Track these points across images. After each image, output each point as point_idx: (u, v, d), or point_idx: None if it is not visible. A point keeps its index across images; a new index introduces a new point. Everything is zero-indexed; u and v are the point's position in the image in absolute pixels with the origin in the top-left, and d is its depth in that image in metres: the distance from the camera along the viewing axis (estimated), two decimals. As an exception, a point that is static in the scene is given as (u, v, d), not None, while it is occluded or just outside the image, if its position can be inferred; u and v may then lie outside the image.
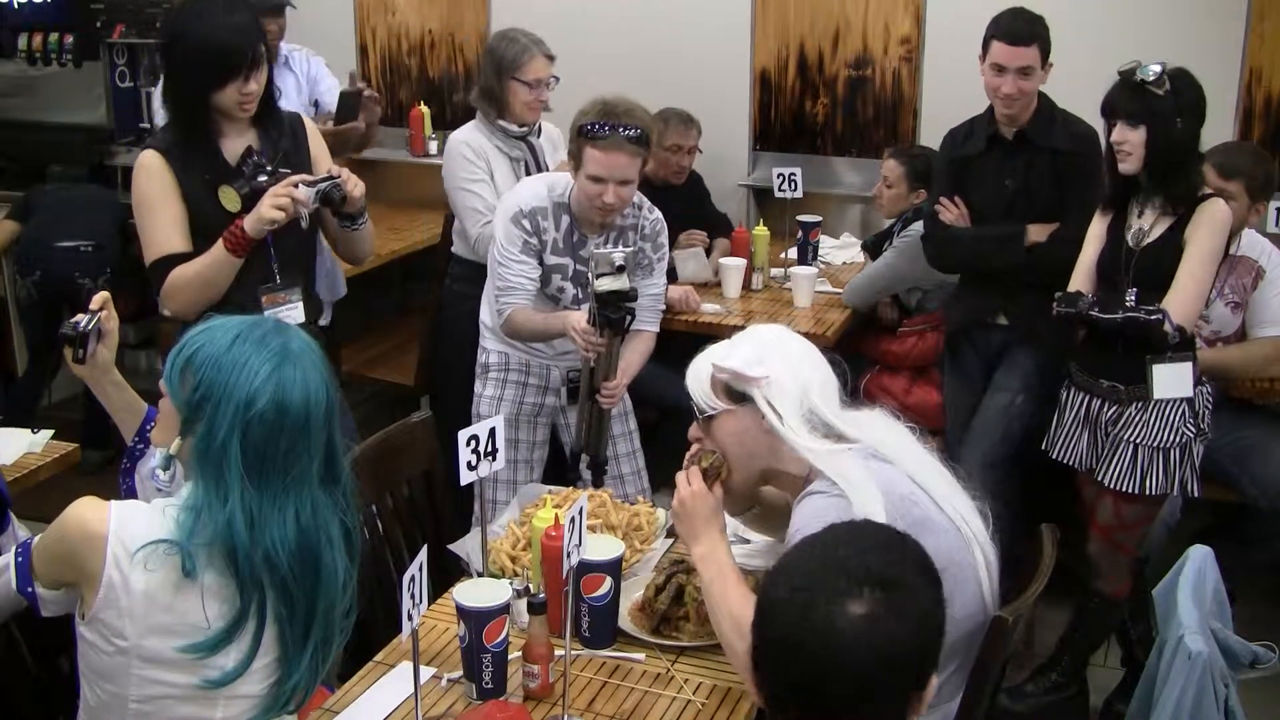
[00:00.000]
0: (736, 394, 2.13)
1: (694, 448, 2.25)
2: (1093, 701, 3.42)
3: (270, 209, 2.76)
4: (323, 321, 4.15)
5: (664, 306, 3.46)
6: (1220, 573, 2.30)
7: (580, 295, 3.25)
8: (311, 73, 4.21)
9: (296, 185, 2.79)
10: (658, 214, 3.34)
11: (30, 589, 1.85)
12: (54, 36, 5.29)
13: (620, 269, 2.86)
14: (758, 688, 1.53)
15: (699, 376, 2.17)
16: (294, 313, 2.93)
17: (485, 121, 3.80)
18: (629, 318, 2.91)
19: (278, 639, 1.84)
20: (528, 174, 3.81)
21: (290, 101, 3.93)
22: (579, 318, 3.03)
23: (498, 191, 3.69)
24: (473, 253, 3.78)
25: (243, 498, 1.77)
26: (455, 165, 3.77)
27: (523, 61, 3.70)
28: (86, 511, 1.79)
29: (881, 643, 1.42)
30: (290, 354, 1.81)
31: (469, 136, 3.80)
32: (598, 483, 3.24)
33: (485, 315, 3.46)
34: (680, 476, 2.21)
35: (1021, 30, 3.34)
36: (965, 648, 2.10)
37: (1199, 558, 2.28)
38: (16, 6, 5.30)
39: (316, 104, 4.30)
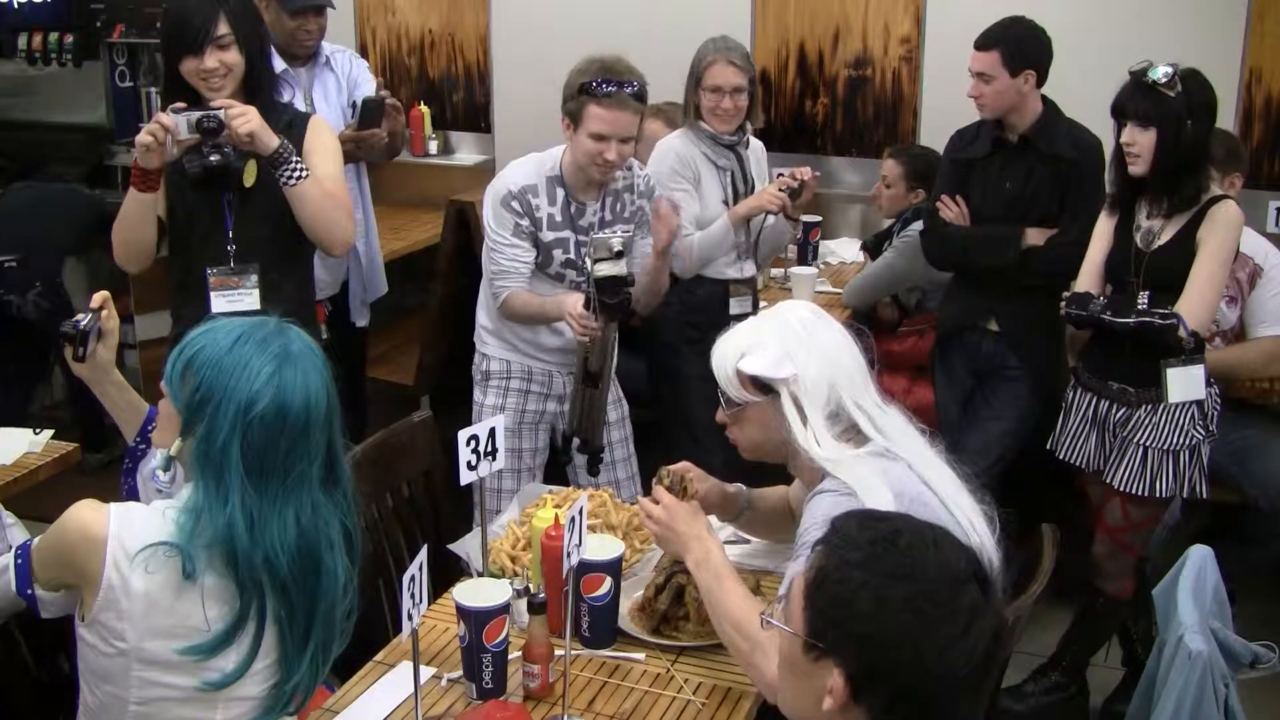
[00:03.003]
0: (764, 385, 2.12)
1: (659, 471, 2.26)
2: (1093, 701, 3.42)
3: (141, 134, 2.75)
4: (361, 322, 4.15)
5: None
6: (1220, 573, 2.30)
7: (578, 275, 3.20)
8: (353, 74, 4.19)
9: (169, 113, 2.74)
10: (648, 171, 3.34)
11: (30, 591, 1.85)
12: (54, 36, 5.29)
13: (619, 254, 2.85)
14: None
15: (725, 365, 2.14)
16: (247, 299, 2.84)
17: (693, 129, 3.72)
18: (626, 302, 2.90)
19: (278, 641, 1.84)
20: (734, 185, 3.72)
21: (329, 101, 3.92)
22: (576, 301, 3.00)
23: (700, 202, 3.64)
24: None
25: (243, 500, 1.77)
26: (662, 171, 3.65)
27: (704, 67, 3.67)
28: (86, 514, 1.78)
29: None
30: (291, 356, 1.81)
31: (679, 145, 3.71)
32: (593, 470, 3.23)
33: (483, 318, 3.37)
34: (645, 501, 2.21)
35: (985, 36, 3.40)
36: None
37: (1199, 558, 2.28)
38: (16, 6, 5.30)
39: (354, 105, 4.29)
